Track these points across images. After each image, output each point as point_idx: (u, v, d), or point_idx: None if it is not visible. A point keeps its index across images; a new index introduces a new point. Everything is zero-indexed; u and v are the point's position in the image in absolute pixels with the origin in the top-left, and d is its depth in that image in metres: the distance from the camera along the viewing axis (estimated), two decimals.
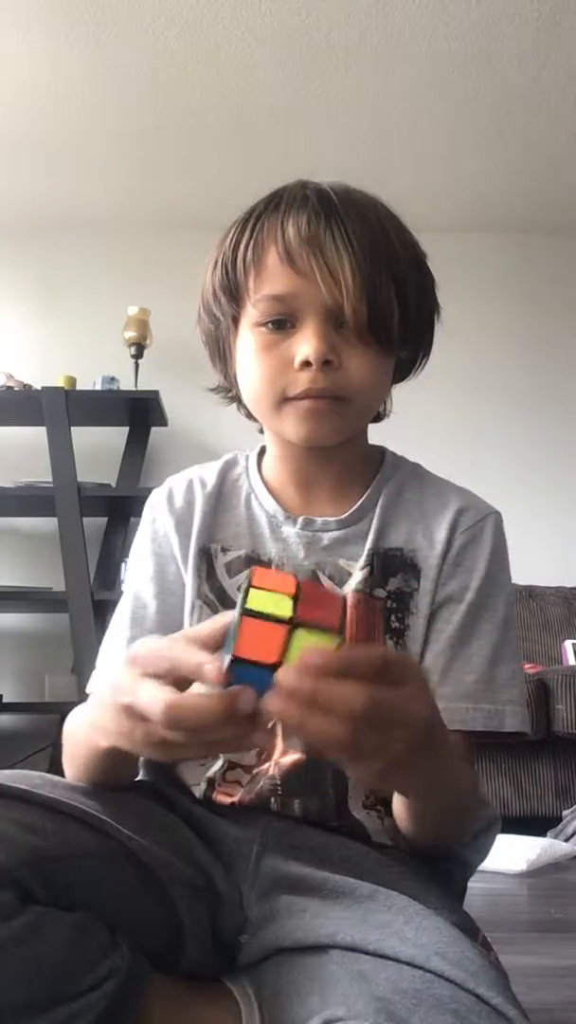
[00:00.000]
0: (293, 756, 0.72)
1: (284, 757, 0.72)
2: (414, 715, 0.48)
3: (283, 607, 0.47)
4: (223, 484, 0.84)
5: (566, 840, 2.21)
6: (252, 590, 0.48)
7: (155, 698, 0.48)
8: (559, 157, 3.18)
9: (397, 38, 2.62)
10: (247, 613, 0.47)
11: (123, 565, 3.10)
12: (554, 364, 3.56)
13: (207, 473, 0.85)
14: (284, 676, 0.45)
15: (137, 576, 0.82)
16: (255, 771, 0.74)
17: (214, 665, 0.47)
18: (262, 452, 0.86)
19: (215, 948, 0.67)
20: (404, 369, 0.82)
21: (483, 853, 0.80)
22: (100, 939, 0.59)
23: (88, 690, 0.79)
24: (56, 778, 0.67)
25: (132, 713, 0.51)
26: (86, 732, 0.63)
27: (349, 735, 0.45)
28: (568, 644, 2.86)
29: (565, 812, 2.39)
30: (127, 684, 0.51)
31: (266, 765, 0.73)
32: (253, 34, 2.61)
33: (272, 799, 0.72)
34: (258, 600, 0.47)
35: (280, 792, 0.72)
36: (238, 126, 3.01)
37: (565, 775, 2.54)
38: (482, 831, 0.78)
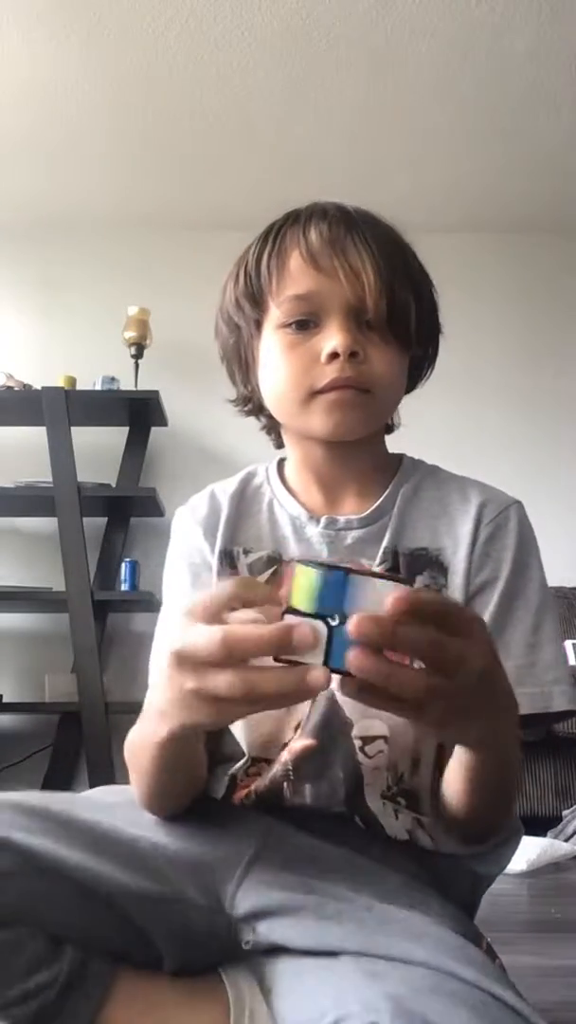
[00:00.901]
0: (304, 741, 0.73)
1: (296, 743, 0.73)
2: (474, 663, 0.49)
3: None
4: (245, 491, 0.87)
5: (566, 840, 2.21)
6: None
7: (209, 632, 0.48)
8: (559, 157, 3.18)
9: (397, 38, 2.62)
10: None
11: (123, 565, 3.10)
12: (554, 364, 3.56)
13: (228, 484, 0.88)
14: (359, 621, 0.45)
15: (175, 590, 0.84)
16: (270, 760, 0.75)
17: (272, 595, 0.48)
18: (281, 463, 0.89)
19: (204, 945, 0.67)
20: (411, 379, 0.85)
21: (502, 864, 0.80)
22: (31, 953, 0.61)
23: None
24: (15, 799, 0.67)
25: (183, 661, 0.50)
26: (143, 731, 0.63)
27: (416, 679, 0.46)
28: (568, 644, 2.86)
29: (565, 812, 2.39)
30: (177, 633, 0.51)
31: (281, 753, 0.74)
32: (253, 34, 2.61)
33: (284, 784, 0.73)
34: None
35: (292, 777, 0.73)
36: (238, 126, 3.01)
37: (565, 775, 2.54)
38: (504, 842, 0.78)
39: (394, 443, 0.89)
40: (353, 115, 2.95)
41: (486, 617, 0.75)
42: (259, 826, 0.71)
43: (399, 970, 0.54)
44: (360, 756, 0.73)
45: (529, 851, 1.95)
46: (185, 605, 0.52)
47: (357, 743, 0.74)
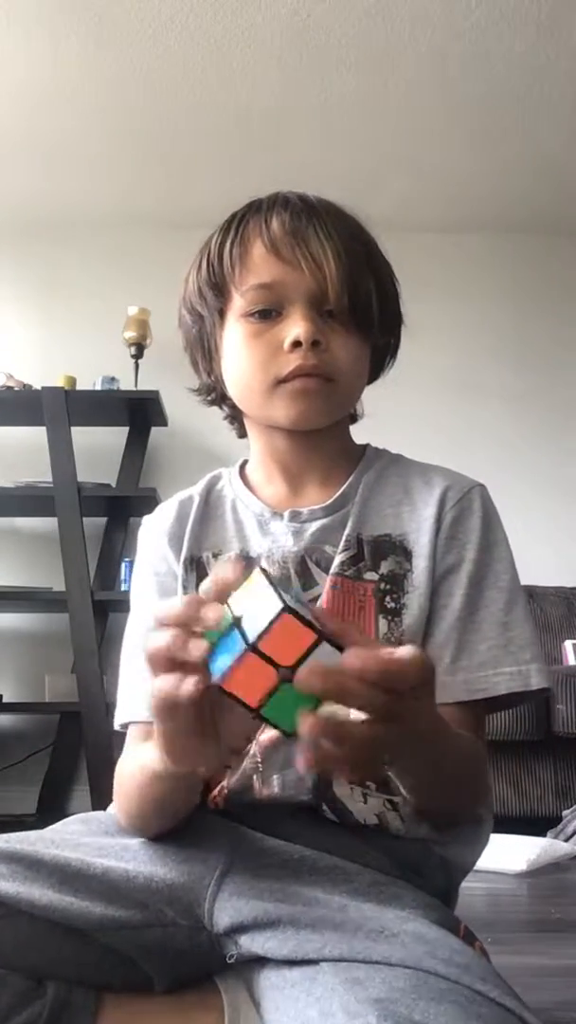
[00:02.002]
0: (271, 732, 0.72)
1: (263, 735, 0.73)
2: (419, 723, 0.50)
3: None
4: (209, 496, 0.87)
5: (566, 840, 2.21)
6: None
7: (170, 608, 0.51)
8: (559, 157, 3.18)
9: (397, 38, 2.62)
10: (288, 610, 0.47)
11: (123, 565, 3.10)
12: (551, 363, 3.56)
13: (192, 491, 0.88)
14: (322, 679, 0.46)
15: (142, 601, 0.84)
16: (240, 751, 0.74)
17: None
18: (243, 465, 0.89)
19: (192, 962, 0.66)
20: (373, 369, 0.85)
21: (473, 852, 0.79)
22: (11, 993, 0.61)
23: (117, 724, 0.79)
24: None
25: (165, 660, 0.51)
26: (142, 762, 0.63)
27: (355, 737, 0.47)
28: (568, 644, 2.86)
29: (565, 812, 2.39)
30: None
31: (248, 746, 0.74)
32: (253, 34, 2.61)
33: (254, 777, 0.73)
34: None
35: (260, 769, 0.72)
36: (237, 126, 3.01)
37: (565, 775, 2.54)
38: (469, 831, 0.77)
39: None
40: (352, 115, 2.95)
41: (457, 599, 0.75)
42: (227, 838, 0.70)
43: (380, 973, 0.53)
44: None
45: (529, 851, 1.95)
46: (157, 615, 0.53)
47: None
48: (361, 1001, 0.51)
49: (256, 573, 0.50)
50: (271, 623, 0.46)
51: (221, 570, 0.52)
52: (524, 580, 0.81)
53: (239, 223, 0.79)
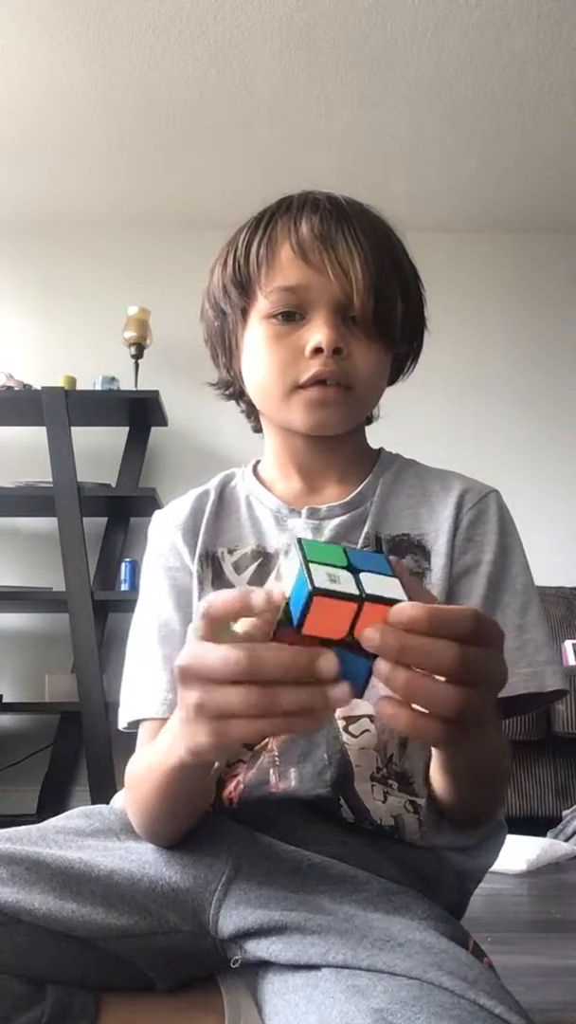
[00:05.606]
0: None
1: None
2: (496, 675, 0.47)
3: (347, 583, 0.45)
4: (223, 493, 0.87)
5: (566, 840, 2.21)
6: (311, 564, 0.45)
7: (226, 651, 0.45)
8: (559, 157, 3.18)
9: (397, 38, 2.62)
10: (317, 592, 0.44)
11: (123, 565, 3.10)
12: (555, 363, 3.56)
13: (206, 487, 0.88)
14: (380, 634, 0.43)
15: (153, 597, 0.83)
16: (256, 747, 0.74)
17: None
18: (256, 465, 0.89)
19: (194, 966, 0.66)
20: (394, 371, 0.86)
21: (489, 859, 0.79)
22: (11, 998, 0.61)
23: (123, 722, 0.78)
24: None
25: (190, 676, 0.47)
26: (145, 761, 0.61)
27: (448, 690, 0.44)
28: (568, 644, 2.86)
29: (565, 812, 2.39)
30: (191, 648, 0.48)
31: (266, 740, 0.73)
32: (253, 34, 2.61)
33: (271, 771, 0.72)
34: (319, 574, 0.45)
35: (277, 763, 0.72)
36: (237, 126, 3.01)
37: (565, 775, 2.54)
38: (489, 835, 0.78)
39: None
40: (352, 115, 2.95)
41: (474, 600, 0.76)
42: (234, 841, 0.69)
43: (383, 982, 0.53)
44: (345, 736, 0.73)
45: (529, 851, 1.96)
46: (195, 621, 0.49)
47: (341, 723, 0.73)
48: (361, 1011, 0.50)
49: (293, 549, 0.47)
50: (305, 607, 0.44)
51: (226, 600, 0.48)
52: None
53: (268, 222, 0.79)
